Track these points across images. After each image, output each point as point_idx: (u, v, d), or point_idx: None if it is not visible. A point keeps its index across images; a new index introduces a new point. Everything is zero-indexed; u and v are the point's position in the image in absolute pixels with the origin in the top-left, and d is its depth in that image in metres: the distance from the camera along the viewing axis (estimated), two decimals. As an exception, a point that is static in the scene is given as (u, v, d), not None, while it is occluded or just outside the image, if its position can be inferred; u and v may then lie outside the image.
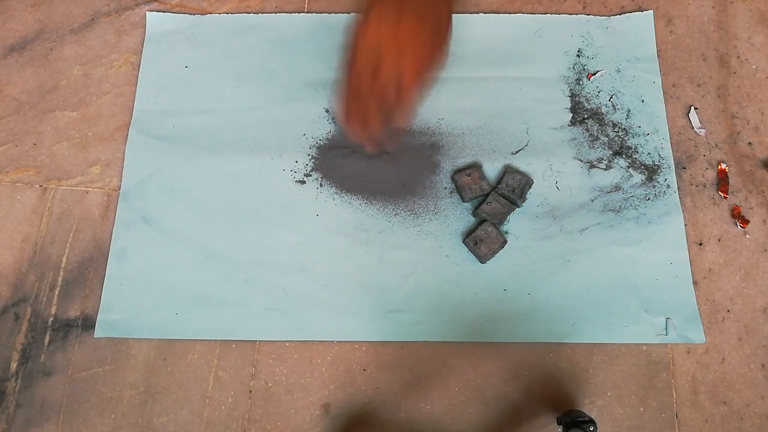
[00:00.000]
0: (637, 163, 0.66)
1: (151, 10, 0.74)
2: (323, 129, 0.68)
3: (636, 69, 0.70)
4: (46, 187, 0.67)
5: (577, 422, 0.53)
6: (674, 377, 0.60)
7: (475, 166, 0.66)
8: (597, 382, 0.59)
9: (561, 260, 0.63)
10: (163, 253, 0.64)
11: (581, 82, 0.70)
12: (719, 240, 0.64)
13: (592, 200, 0.65)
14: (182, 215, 0.65)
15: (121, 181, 0.66)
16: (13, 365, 0.60)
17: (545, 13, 0.73)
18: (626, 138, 0.67)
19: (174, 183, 0.66)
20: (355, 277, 0.63)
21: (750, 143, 0.67)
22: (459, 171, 0.65)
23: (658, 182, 0.66)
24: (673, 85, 0.70)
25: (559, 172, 0.66)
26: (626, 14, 0.73)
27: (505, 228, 0.64)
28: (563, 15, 0.73)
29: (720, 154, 0.67)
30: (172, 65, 0.71)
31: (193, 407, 0.59)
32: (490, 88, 0.70)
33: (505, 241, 0.62)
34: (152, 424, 0.59)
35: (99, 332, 0.61)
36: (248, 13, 0.73)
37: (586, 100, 0.69)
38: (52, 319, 0.62)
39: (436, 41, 0.50)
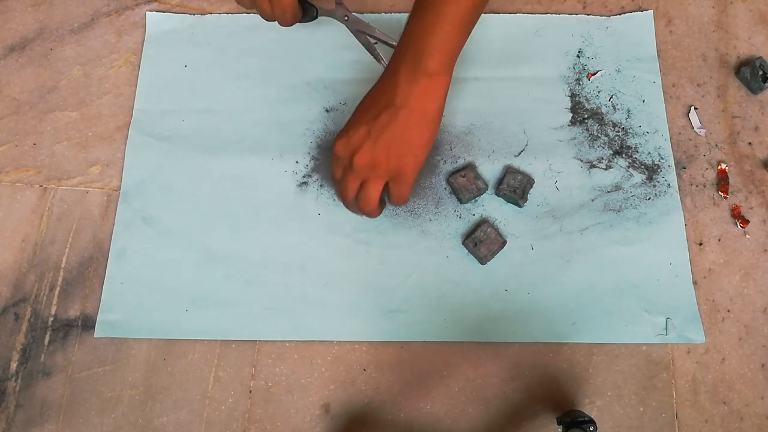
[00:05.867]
0: (637, 162, 0.66)
1: (151, 10, 0.74)
2: (324, 129, 0.68)
3: (636, 69, 0.70)
4: (46, 187, 0.67)
5: (577, 422, 0.53)
6: (674, 377, 0.60)
7: (469, 167, 0.65)
8: (597, 382, 0.59)
9: (561, 260, 0.63)
10: (163, 253, 0.64)
11: (581, 82, 0.70)
12: (719, 240, 0.64)
13: (593, 200, 0.65)
14: (182, 215, 0.65)
15: (121, 181, 0.66)
16: (13, 365, 0.60)
17: (545, 13, 0.73)
18: (626, 138, 0.67)
19: (174, 183, 0.66)
20: (355, 277, 0.63)
21: (750, 143, 0.67)
22: (453, 173, 0.65)
23: (658, 182, 0.66)
24: (673, 85, 0.70)
25: (559, 172, 0.66)
26: (626, 14, 0.73)
27: (505, 228, 0.64)
28: (563, 15, 0.73)
29: (720, 154, 0.67)
30: (172, 65, 0.71)
31: (193, 407, 0.59)
32: (490, 88, 0.70)
33: (505, 242, 0.62)
34: (152, 424, 0.59)
35: (99, 332, 0.61)
36: (248, 13, 0.73)
37: (586, 100, 0.69)
38: (52, 319, 0.62)
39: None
